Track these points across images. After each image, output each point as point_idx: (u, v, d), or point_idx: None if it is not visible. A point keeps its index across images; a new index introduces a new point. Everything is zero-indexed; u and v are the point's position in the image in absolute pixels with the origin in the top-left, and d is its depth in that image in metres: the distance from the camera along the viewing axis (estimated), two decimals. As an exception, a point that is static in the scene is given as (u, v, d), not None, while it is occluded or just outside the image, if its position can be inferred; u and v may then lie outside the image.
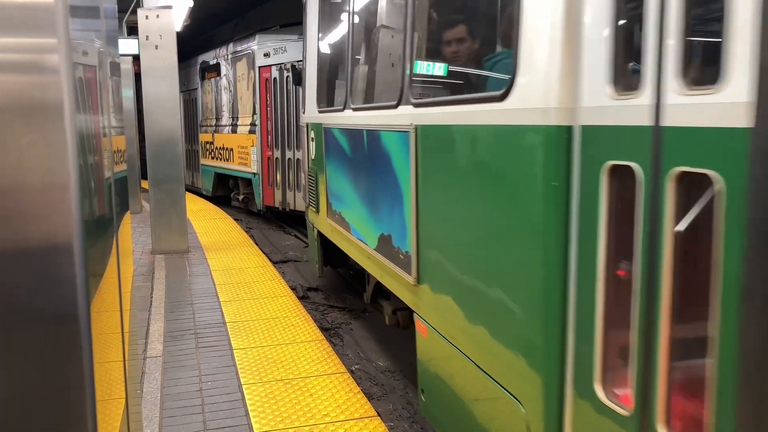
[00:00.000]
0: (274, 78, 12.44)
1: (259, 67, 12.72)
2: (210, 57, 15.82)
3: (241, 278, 7.50)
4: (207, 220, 12.44)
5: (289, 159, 12.24)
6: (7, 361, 1.10)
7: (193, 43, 17.14)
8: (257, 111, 12.83)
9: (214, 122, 15.83)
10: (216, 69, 15.34)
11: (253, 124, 13.05)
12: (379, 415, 3.99)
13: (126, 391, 1.98)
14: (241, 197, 14.66)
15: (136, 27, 8.80)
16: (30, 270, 1.10)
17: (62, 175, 1.10)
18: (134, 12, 10.32)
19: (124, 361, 2.00)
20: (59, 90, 1.09)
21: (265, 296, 6.69)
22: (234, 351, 5.08)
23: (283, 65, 12.21)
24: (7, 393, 1.11)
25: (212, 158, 16.05)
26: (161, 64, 8.64)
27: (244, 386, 4.39)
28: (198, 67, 16.64)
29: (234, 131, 14.22)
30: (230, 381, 4.50)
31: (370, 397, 4.70)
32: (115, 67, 2.56)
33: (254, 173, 13.20)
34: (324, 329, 6.30)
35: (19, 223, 1.08)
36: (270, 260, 8.96)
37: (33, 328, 1.11)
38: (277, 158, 12.53)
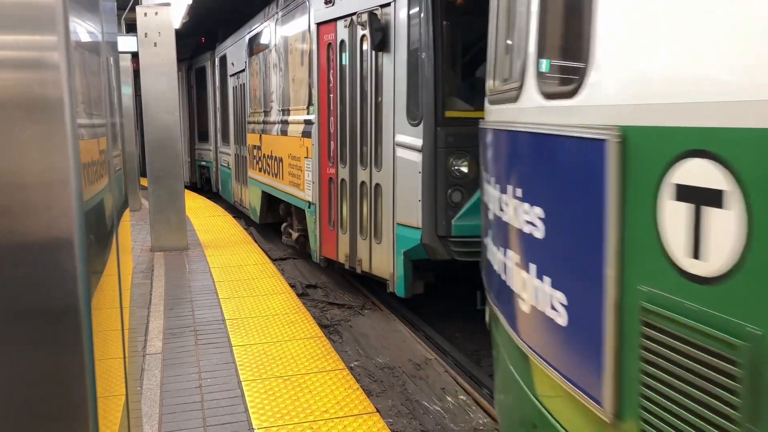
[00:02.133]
0: (341, 41, 7.17)
1: (317, 25, 7.56)
2: (258, 23, 10.90)
3: (240, 275, 7.51)
4: (206, 217, 12.44)
5: (362, 183, 6.89)
6: (7, 356, 1.10)
7: (250, 7, 12.11)
8: (314, 100, 7.76)
9: (261, 117, 10.73)
10: (265, 39, 10.45)
11: (308, 122, 8.08)
12: (378, 411, 4.01)
13: (126, 388, 1.98)
14: (295, 234, 9.21)
15: (135, 24, 8.83)
16: (30, 265, 1.10)
17: (62, 171, 1.10)
18: (133, 9, 10.31)
19: (125, 357, 2.00)
20: (60, 86, 1.09)
21: (265, 293, 6.70)
22: (233, 348, 5.09)
23: (355, 17, 6.73)
24: (8, 388, 1.11)
25: (259, 170, 10.95)
26: (160, 61, 8.71)
27: (243, 383, 4.40)
28: (246, 38, 11.68)
29: (284, 132, 9.26)
30: (229, 378, 4.51)
31: (369, 393, 4.71)
32: (115, 64, 2.56)
33: (308, 202, 8.17)
34: (323, 326, 6.31)
35: (19, 218, 1.09)
36: (269, 257, 8.97)
37: (33, 323, 1.11)
38: (343, 180, 7.25)
